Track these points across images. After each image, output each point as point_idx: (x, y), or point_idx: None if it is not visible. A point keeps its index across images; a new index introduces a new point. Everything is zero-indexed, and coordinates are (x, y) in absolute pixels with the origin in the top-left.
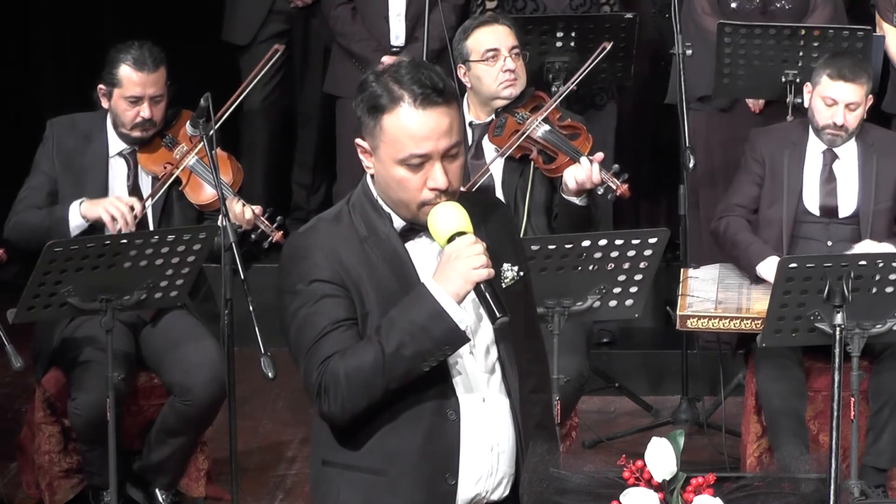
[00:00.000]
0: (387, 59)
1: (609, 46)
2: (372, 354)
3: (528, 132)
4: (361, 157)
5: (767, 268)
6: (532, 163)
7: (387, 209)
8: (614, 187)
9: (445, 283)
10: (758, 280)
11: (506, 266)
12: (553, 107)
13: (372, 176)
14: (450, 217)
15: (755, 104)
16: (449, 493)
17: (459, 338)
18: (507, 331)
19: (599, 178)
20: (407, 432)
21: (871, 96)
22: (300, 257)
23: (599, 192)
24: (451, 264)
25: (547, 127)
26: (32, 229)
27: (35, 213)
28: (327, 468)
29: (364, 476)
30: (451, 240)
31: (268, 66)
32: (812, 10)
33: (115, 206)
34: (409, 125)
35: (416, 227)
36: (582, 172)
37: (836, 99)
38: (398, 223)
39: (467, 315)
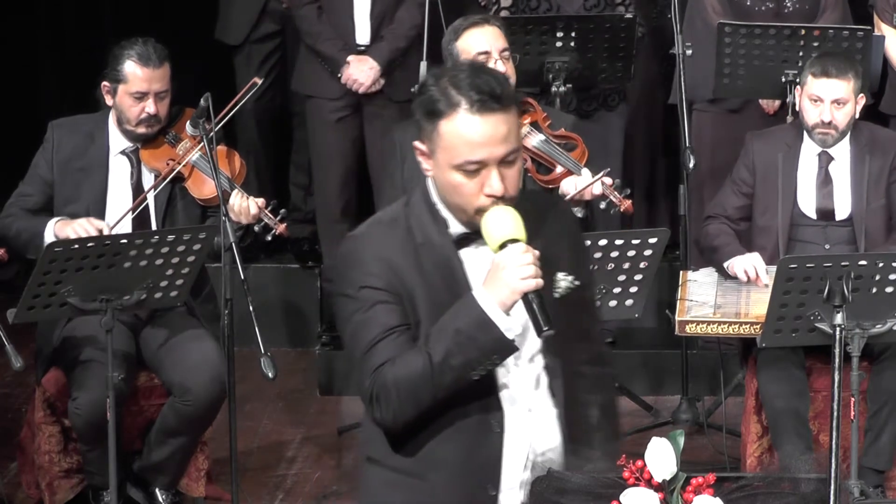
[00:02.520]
0: (352, 59)
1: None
2: (420, 364)
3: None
4: (419, 159)
5: (739, 265)
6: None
7: (444, 214)
8: (616, 202)
9: (493, 292)
10: (733, 278)
11: (560, 275)
12: (543, 115)
13: (430, 177)
14: (502, 223)
15: (768, 105)
16: (489, 503)
17: (507, 347)
18: (555, 340)
19: (600, 191)
20: (451, 443)
21: (862, 95)
22: (354, 263)
23: (602, 207)
24: (499, 273)
25: (541, 137)
26: (14, 236)
27: (20, 219)
28: (370, 465)
29: (404, 478)
30: (502, 247)
31: (245, 99)
32: (822, 12)
33: (83, 227)
34: (466, 132)
35: (472, 236)
36: (582, 183)
37: (821, 96)
38: (455, 229)
39: (515, 324)
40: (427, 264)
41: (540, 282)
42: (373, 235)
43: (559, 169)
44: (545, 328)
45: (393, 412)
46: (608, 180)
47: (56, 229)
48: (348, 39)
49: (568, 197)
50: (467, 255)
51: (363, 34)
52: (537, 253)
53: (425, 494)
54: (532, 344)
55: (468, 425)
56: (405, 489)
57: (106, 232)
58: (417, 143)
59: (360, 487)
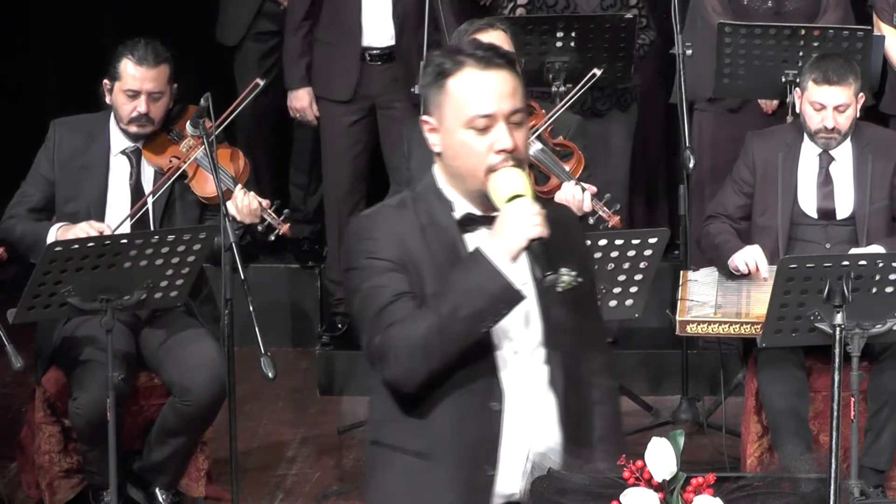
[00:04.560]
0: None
1: (599, 73)
2: (429, 318)
3: None
4: (427, 135)
5: (739, 257)
6: None
7: (449, 197)
8: (605, 217)
9: (500, 241)
10: (735, 276)
11: (564, 270)
12: (544, 120)
13: (438, 154)
14: (511, 181)
15: (767, 104)
16: (486, 484)
17: (514, 295)
18: (556, 336)
19: (590, 206)
20: (452, 418)
21: (862, 94)
22: (364, 237)
23: (591, 222)
24: (505, 222)
25: (539, 146)
26: (18, 239)
27: (24, 221)
28: (375, 448)
29: (407, 458)
30: (510, 203)
31: (248, 99)
32: (823, 12)
33: (84, 231)
34: (474, 85)
35: (476, 218)
36: (572, 198)
37: (823, 103)
38: (459, 211)
39: (520, 274)
40: (433, 243)
41: (545, 231)
42: (381, 213)
43: (555, 180)
44: (548, 273)
45: (403, 368)
46: (593, 188)
47: (59, 235)
48: (354, 42)
49: None
50: (471, 239)
51: (370, 36)
52: (543, 210)
53: (428, 473)
54: (534, 337)
55: (469, 403)
56: (409, 469)
57: (107, 233)
58: (424, 117)
59: (365, 472)
